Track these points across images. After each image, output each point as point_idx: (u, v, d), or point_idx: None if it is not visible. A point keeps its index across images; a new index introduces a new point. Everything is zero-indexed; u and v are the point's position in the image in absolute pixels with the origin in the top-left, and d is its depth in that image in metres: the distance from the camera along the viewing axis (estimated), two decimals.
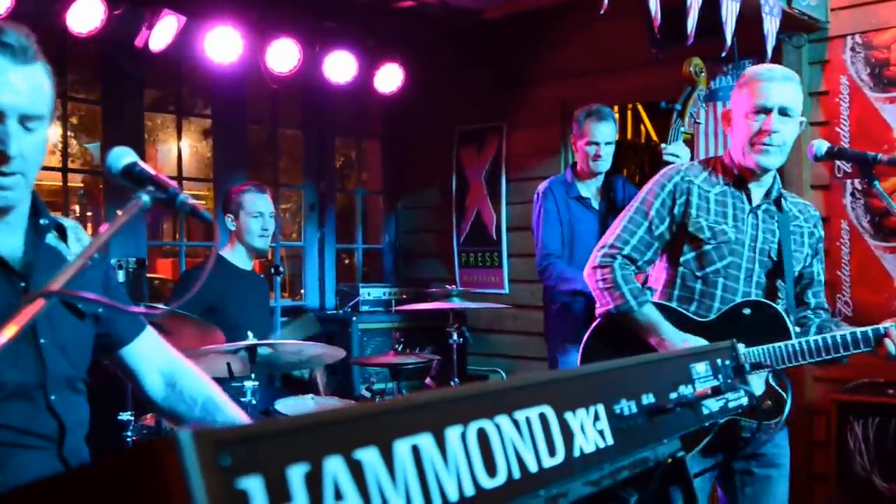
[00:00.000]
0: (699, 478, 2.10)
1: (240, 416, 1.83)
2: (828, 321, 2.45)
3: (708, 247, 2.34)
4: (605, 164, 3.78)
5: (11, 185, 1.49)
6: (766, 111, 2.26)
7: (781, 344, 2.25)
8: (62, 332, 1.59)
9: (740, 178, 2.37)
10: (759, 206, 2.38)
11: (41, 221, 1.62)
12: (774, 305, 2.31)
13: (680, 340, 2.28)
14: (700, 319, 2.36)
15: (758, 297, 2.35)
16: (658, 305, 2.39)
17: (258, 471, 0.69)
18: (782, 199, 2.41)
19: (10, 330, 1.09)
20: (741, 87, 2.35)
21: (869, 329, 2.23)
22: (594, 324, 2.50)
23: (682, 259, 2.39)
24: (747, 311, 2.31)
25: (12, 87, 1.47)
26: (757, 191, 2.39)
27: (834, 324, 2.41)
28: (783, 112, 2.26)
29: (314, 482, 0.74)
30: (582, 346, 2.53)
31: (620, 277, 2.36)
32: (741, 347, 2.02)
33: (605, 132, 3.73)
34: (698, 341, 2.27)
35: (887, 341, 2.20)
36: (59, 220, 1.69)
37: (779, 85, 2.27)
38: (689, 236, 2.37)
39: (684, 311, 2.38)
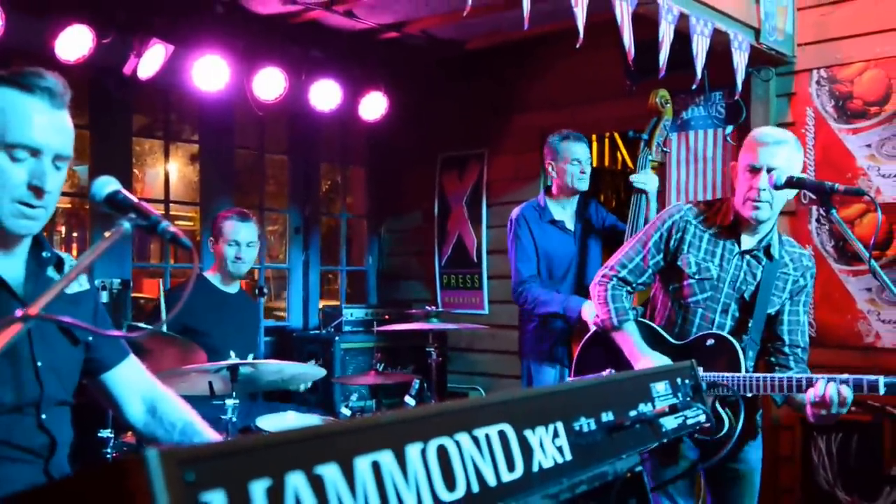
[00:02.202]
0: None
1: (216, 439, 1.86)
2: (801, 369, 2.61)
3: (692, 280, 2.61)
4: (587, 182, 3.85)
5: (38, 216, 1.58)
6: (756, 170, 2.49)
7: (730, 375, 2.48)
8: (57, 355, 1.65)
9: (735, 224, 2.60)
10: (748, 251, 2.60)
11: (44, 254, 1.68)
12: (734, 341, 2.53)
13: (645, 355, 2.57)
14: (673, 342, 2.64)
15: (731, 328, 2.60)
16: (642, 324, 2.69)
17: (221, 485, 0.72)
18: (778, 248, 2.62)
19: None
20: (746, 145, 2.58)
21: (804, 378, 2.41)
22: (591, 331, 2.82)
23: (670, 288, 2.68)
24: (711, 342, 2.56)
25: (51, 129, 1.57)
26: (748, 237, 2.61)
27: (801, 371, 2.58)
28: (772, 171, 2.47)
29: (276, 496, 0.77)
30: (579, 349, 2.85)
31: (610, 297, 2.69)
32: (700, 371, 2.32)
33: (586, 151, 3.83)
34: (662, 358, 2.56)
35: (810, 390, 2.36)
36: (59, 253, 1.75)
37: (770, 148, 2.50)
38: (678, 269, 2.64)
39: (663, 333, 2.66)
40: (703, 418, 1.57)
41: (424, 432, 0.98)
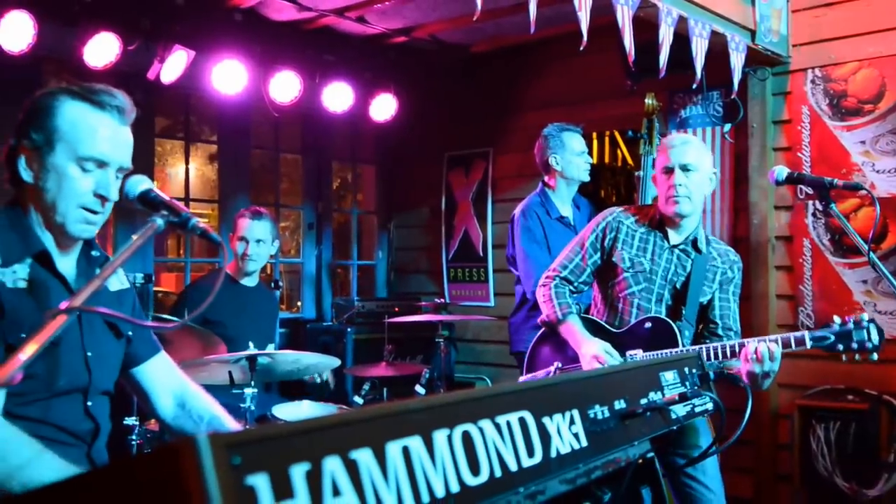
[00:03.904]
0: None
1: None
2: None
3: (627, 274, 2.73)
4: (588, 173, 3.87)
5: (99, 222, 1.64)
6: (670, 170, 2.64)
7: (668, 350, 2.59)
8: (103, 347, 1.70)
9: (661, 223, 2.74)
10: (676, 246, 2.71)
11: (93, 253, 1.74)
12: (669, 322, 2.65)
13: (588, 341, 2.66)
14: (614, 330, 2.74)
15: (666, 315, 2.68)
16: (584, 318, 2.78)
17: (264, 469, 0.73)
18: (705, 244, 2.74)
19: (32, 347, 1.13)
20: (658, 153, 2.73)
21: (736, 343, 2.50)
22: (540, 331, 2.91)
23: (608, 283, 2.79)
24: (648, 325, 2.67)
25: (118, 143, 1.63)
26: (675, 234, 2.73)
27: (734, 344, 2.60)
28: (684, 168, 2.63)
29: (314, 480, 0.77)
30: (530, 348, 2.91)
31: (553, 294, 2.79)
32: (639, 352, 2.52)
33: (584, 142, 3.85)
34: (603, 343, 2.65)
35: (743, 350, 2.44)
36: (105, 254, 1.80)
37: (678, 148, 2.64)
38: (614, 265, 2.75)
39: (604, 324, 2.77)
40: (710, 406, 1.57)
41: (450, 419, 0.98)
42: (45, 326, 1.15)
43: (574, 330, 2.72)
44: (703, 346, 2.57)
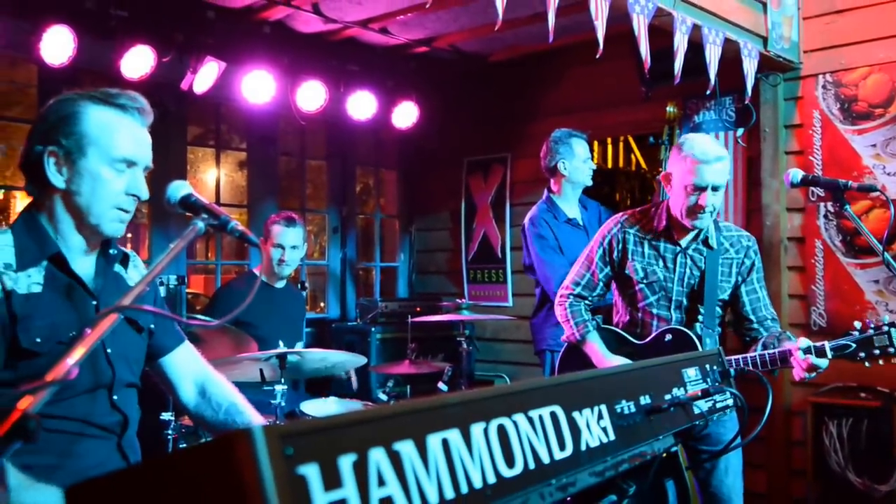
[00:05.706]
0: None
1: (257, 418, 1.87)
2: (771, 337, 2.56)
3: (642, 285, 2.62)
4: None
5: (127, 220, 1.65)
6: (702, 189, 2.48)
7: None
8: (124, 343, 1.68)
9: (668, 228, 2.64)
10: (687, 247, 2.60)
11: (111, 251, 1.72)
12: (689, 332, 2.57)
13: (609, 362, 2.57)
14: (636, 342, 2.67)
15: (685, 321, 2.59)
16: (606, 329, 2.73)
17: (315, 459, 0.73)
18: (716, 236, 2.60)
19: (81, 349, 1.14)
20: (682, 160, 2.51)
21: (776, 351, 2.40)
22: (564, 347, 2.85)
23: (625, 294, 2.72)
24: (669, 337, 2.58)
25: (142, 143, 1.65)
26: (685, 236, 2.62)
27: (777, 338, 2.52)
28: (714, 188, 2.49)
29: (361, 470, 0.78)
30: (558, 361, 2.85)
31: (570, 314, 2.73)
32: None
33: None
34: (625, 362, 2.53)
35: (792, 360, 2.34)
36: (124, 250, 1.79)
37: (712, 167, 2.46)
38: (626, 277, 2.66)
39: (626, 335, 2.70)
40: (731, 402, 1.56)
41: (486, 413, 0.98)
42: (94, 327, 1.16)
43: (595, 349, 2.67)
44: (749, 356, 2.45)
